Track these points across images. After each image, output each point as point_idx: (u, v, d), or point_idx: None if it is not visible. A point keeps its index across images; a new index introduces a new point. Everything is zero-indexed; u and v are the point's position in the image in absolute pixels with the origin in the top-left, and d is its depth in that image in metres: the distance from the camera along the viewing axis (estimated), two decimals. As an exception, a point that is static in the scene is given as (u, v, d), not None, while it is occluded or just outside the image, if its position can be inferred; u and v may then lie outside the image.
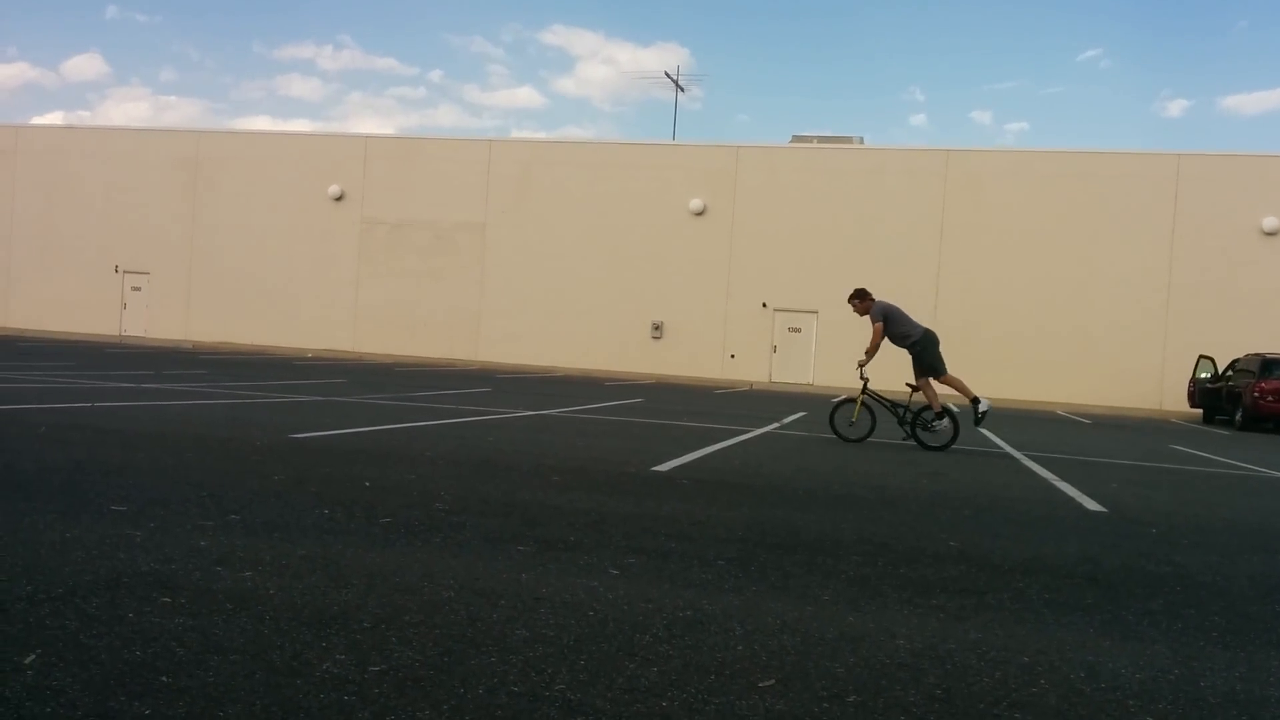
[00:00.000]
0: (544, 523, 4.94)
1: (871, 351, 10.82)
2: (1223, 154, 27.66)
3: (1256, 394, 20.77)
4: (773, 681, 2.78)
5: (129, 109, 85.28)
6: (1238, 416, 21.67)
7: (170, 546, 3.90)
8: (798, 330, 29.55)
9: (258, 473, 5.97)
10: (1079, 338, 27.38)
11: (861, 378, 10.97)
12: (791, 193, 29.56)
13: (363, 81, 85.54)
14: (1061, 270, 27.50)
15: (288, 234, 32.89)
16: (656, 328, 30.29)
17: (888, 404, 11.07)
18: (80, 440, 7.01)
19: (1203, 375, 24.16)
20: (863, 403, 11.00)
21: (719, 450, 9.25)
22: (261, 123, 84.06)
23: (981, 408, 11.00)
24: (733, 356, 29.84)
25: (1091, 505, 7.02)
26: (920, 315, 28.27)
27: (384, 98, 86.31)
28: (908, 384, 11.11)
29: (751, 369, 29.61)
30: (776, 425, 12.99)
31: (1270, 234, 26.53)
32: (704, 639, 3.14)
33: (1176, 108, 75.51)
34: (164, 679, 2.49)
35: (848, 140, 31.89)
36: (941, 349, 11.06)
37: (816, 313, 29.31)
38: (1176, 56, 74.47)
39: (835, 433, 11.09)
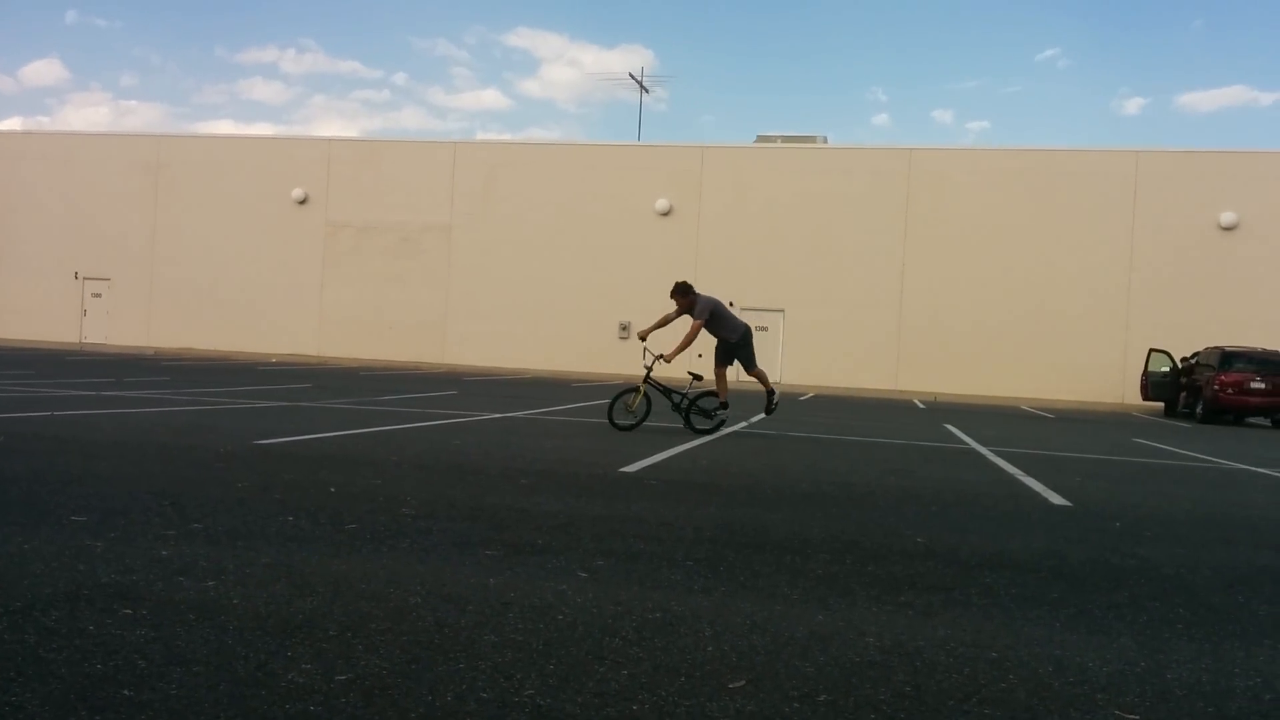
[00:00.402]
0: (512, 526, 4.91)
1: (684, 347, 10.88)
2: (1180, 150, 28.07)
3: (1217, 387, 21.13)
4: (743, 682, 2.78)
5: (89, 114, 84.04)
6: (1198, 409, 22.01)
7: (131, 557, 3.84)
8: (764, 329, 29.61)
9: (221, 480, 5.89)
10: (1042, 333, 27.68)
11: (646, 366, 10.99)
12: (757, 192, 29.66)
13: (326, 85, 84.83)
14: (1024, 267, 27.79)
15: (250, 238, 32.53)
16: (624, 328, 30.27)
17: (663, 389, 11.21)
18: (40, 450, 6.88)
19: (1164, 369, 24.51)
20: (644, 392, 11.00)
21: (687, 450, 9.25)
22: (224, 127, 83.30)
23: (775, 398, 11.65)
24: (700, 355, 29.78)
25: (1056, 500, 7.09)
26: (885, 312, 28.90)
27: (348, 101, 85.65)
28: (690, 373, 11.49)
29: (720, 368, 29.65)
30: (744, 424, 13.02)
31: (1228, 228, 26.96)
32: (674, 641, 3.13)
33: (1134, 105, 76.61)
34: (126, 692, 2.44)
35: (811, 140, 32.05)
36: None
37: (783, 311, 29.44)
38: (1133, 55, 75.61)
39: (612, 423, 10.85)
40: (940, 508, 6.42)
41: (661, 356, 10.82)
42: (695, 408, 11.04)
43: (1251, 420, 22.27)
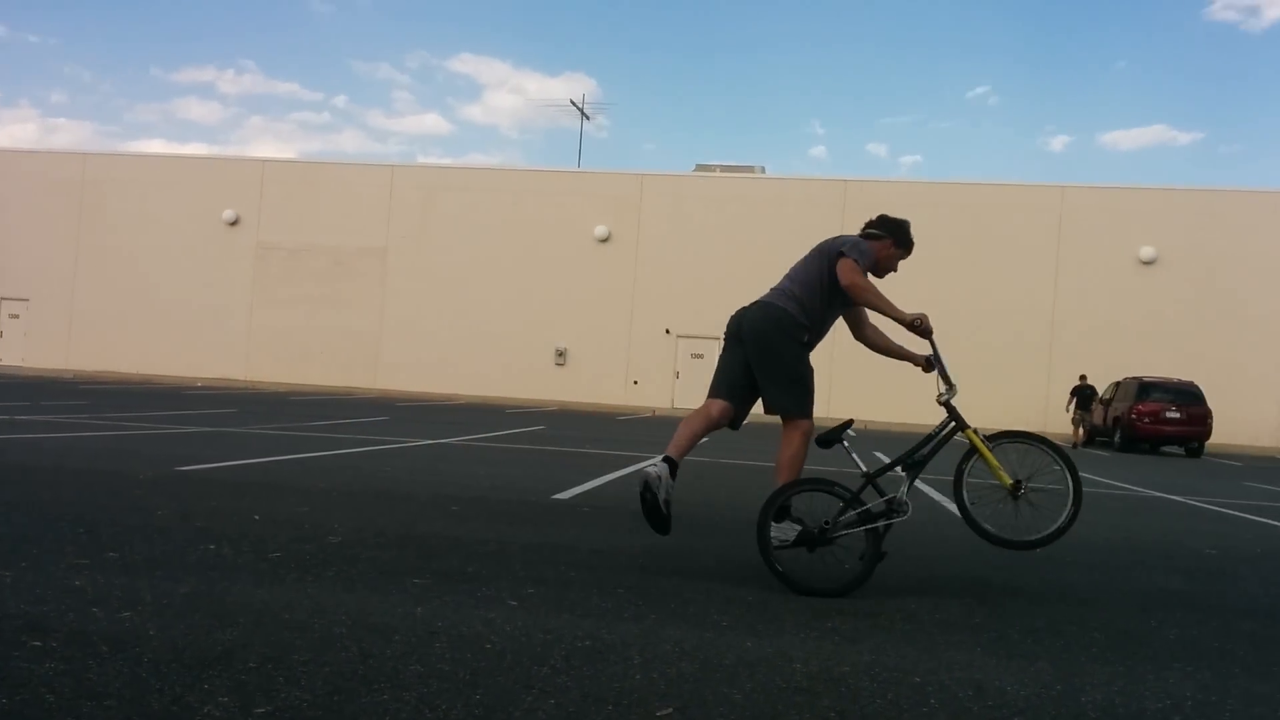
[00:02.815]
0: (441, 554, 4.86)
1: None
2: (1103, 186, 29.04)
3: (1134, 416, 21.77)
4: (670, 710, 2.78)
5: (15, 131, 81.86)
6: (1117, 438, 22.65)
7: (42, 587, 3.72)
8: (700, 356, 29.81)
9: (140, 507, 5.74)
10: (971, 362, 28.22)
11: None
12: (695, 220, 29.93)
13: (264, 106, 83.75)
14: (954, 296, 28.40)
15: (178, 259, 31.89)
16: (560, 354, 30.23)
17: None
18: (-52, 476, 6.64)
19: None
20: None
21: (621, 477, 9.25)
22: (156, 146, 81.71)
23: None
24: (636, 383, 29.95)
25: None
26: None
27: (285, 122, 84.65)
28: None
29: (655, 395, 29.75)
30: (679, 451, 13.05)
31: (1147, 263, 27.89)
32: (602, 669, 3.12)
33: (1059, 143, 78.98)
34: (31, 728, 2.36)
35: (750, 170, 32.49)
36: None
37: (719, 339, 29.63)
38: (1059, 94, 78.00)
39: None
40: (869, 534, 6.49)
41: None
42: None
43: (1166, 449, 22.97)
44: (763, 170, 32.66)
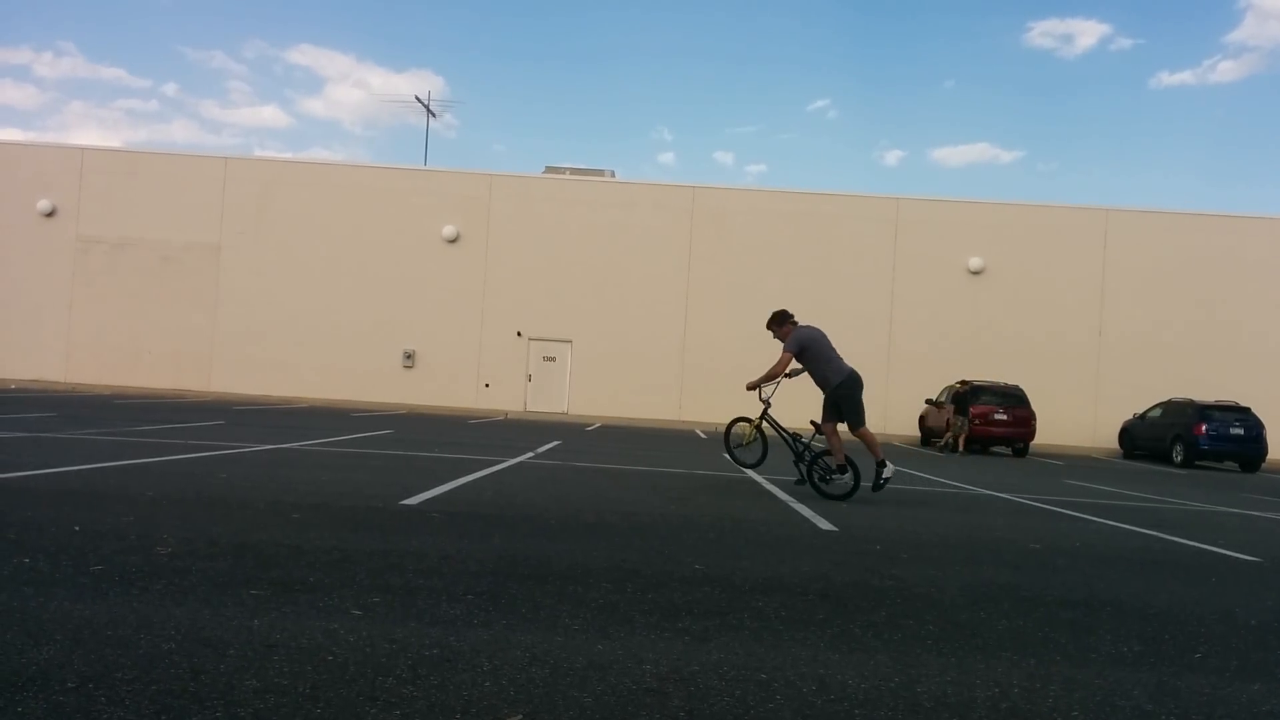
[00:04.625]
0: (280, 564, 4.67)
1: (766, 379, 9.65)
2: (935, 199, 30.46)
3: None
4: (520, 717, 2.74)
5: None
6: (947, 438, 23.82)
7: None
8: (553, 359, 29.75)
9: (-56, 519, 5.29)
10: (813, 367, 29.17)
11: (762, 400, 9.84)
12: (545, 222, 29.83)
13: (86, 91, 78.93)
14: (797, 303, 29.14)
15: (-11, 252, 29.65)
16: (408, 356, 29.60)
17: (784, 433, 9.92)
18: None
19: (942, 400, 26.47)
20: (761, 430, 9.99)
21: (471, 481, 9.11)
22: (-40, 129, 75.82)
23: (886, 474, 9.53)
24: (487, 386, 29.62)
25: (824, 525, 7.45)
26: (669, 343, 29.63)
27: (110, 109, 80.00)
28: (812, 422, 9.79)
29: (506, 398, 29.50)
30: (530, 455, 12.98)
31: (975, 272, 29.42)
32: (450, 677, 3.06)
33: (893, 157, 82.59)
34: None
35: (600, 173, 32.62)
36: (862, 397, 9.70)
37: (571, 342, 29.65)
38: (893, 110, 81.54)
39: (732, 457, 10.28)
40: (718, 535, 6.61)
41: (758, 387, 9.66)
42: (820, 464, 9.47)
43: (995, 449, 24.30)
44: (613, 174, 32.85)
